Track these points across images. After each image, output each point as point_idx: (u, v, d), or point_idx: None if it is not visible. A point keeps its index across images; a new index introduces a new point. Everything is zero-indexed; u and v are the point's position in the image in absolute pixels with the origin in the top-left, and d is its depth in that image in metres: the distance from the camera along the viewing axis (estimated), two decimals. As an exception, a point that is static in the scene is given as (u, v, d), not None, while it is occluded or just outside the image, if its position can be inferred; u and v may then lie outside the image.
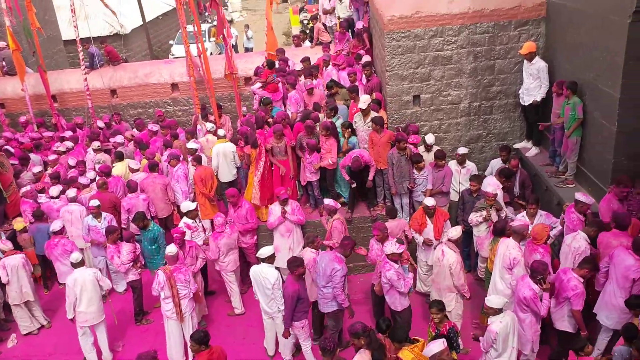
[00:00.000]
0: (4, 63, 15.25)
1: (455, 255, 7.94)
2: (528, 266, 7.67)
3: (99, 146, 12.11)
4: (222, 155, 10.86)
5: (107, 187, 10.58)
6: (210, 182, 10.49)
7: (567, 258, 7.75)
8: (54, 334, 9.64)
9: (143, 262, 9.49)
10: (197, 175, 10.45)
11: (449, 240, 8.12)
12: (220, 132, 11.28)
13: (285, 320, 7.91)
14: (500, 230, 8.19)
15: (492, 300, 6.92)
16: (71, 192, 10.37)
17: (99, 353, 8.95)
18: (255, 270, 8.11)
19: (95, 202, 9.83)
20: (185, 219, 9.50)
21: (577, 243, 7.68)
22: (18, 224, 10.09)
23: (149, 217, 9.83)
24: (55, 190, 10.60)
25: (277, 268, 8.23)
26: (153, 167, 10.71)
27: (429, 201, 8.91)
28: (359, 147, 10.12)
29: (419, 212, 9.09)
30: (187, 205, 9.50)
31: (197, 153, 10.88)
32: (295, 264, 7.75)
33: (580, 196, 8.12)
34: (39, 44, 13.88)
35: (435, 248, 8.61)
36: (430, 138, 10.48)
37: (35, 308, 9.68)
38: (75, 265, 8.47)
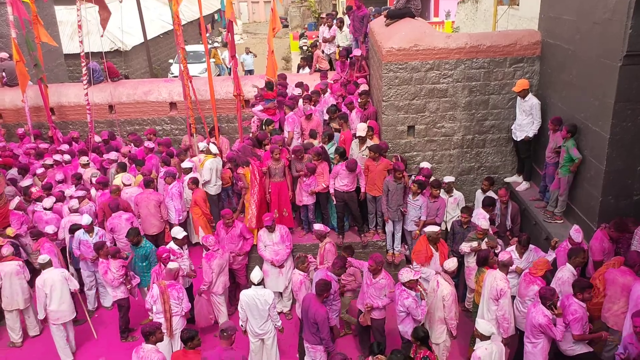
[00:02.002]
0: (4, 74, 15.36)
1: (450, 288, 7.94)
2: (522, 297, 7.84)
3: (87, 161, 12.16)
4: (214, 171, 11.32)
5: (119, 193, 10.72)
6: (208, 203, 10.70)
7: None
8: (39, 345, 9.58)
9: (138, 281, 9.46)
10: (200, 197, 10.57)
11: (444, 271, 8.12)
12: (212, 148, 11.56)
13: (326, 344, 7.76)
14: (483, 259, 8.24)
15: (482, 325, 7.05)
16: (74, 203, 10.43)
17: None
18: (248, 294, 8.11)
19: (87, 219, 9.83)
20: (172, 244, 9.37)
21: (561, 273, 7.84)
22: (9, 230, 10.16)
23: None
24: (48, 202, 10.62)
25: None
26: (148, 183, 10.76)
27: (434, 228, 8.93)
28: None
29: (422, 244, 8.95)
30: (177, 232, 9.38)
31: (191, 173, 10.95)
32: (325, 288, 7.70)
33: (573, 232, 8.24)
34: (41, 57, 14.00)
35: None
36: (425, 164, 10.62)
37: (28, 316, 9.66)
38: (44, 265, 8.80)
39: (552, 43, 10.16)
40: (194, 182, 10.74)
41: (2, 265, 9.22)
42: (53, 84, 15.50)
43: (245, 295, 8.14)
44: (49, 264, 8.87)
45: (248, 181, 10.31)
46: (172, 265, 8.39)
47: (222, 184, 11.75)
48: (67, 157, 12.47)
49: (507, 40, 10.48)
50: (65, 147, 13.05)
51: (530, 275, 7.89)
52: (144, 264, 9.43)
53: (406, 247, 10.53)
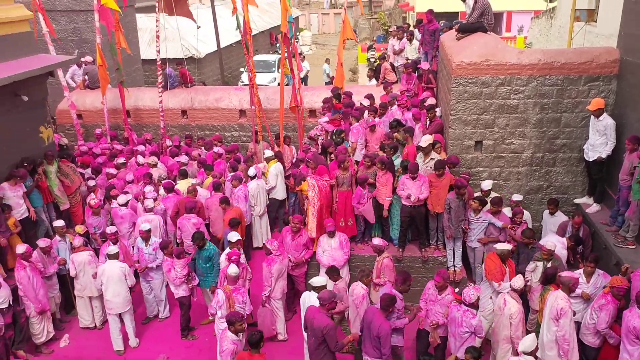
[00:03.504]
0: (86, 77, 16.20)
1: (518, 306, 7.75)
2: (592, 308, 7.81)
3: (156, 162, 12.61)
4: (279, 175, 11.71)
5: (195, 194, 11.10)
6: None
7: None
8: (106, 337, 9.92)
9: (197, 282, 9.77)
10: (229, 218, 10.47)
11: (512, 290, 7.92)
12: (268, 153, 12.10)
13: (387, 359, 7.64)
14: (550, 277, 8.01)
15: (524, 342, 6.99)
16: (149, 203, 10.84)
17: (126, 339, 9.79)
18: (303, 297, 8.25)
19: (146, 226, 10.07)
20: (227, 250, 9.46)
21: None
22: (78, 227, 10.65)
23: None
24: (122, 199, 11.10)
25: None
26: (217, 187, 11.10)
27: (506, 245, 8.77)
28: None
29: (494, 262, 8.72)
30: (231, 236, 9.51)
31: (255, 179, 11.48)
32: (390, 303, 7.61)
33: None
34: (121, 62, 14.70)
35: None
36: (487, 184, 10.41)
37: (97, 305, 10.17)
38: (111, 257, 9.41)
39: (631, 61, 9.80)
40: (223, 201, 10.61)
41: (75, 255, 9.84)
42: (130, 88, 16.19)
43: (304, 295, 8.31)
44: (115, 256, 9.41)
45: (305, 193, 10.38)
46: (233, 270, 8.51)
47: (289, 187, 12.03)
48: (153, 159, 12.80)
49: (582, 58, 10.19)
50: (141, 148, 13.58)
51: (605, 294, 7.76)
52: (207, 265, 9.68)
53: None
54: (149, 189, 11.41)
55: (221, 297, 8.34)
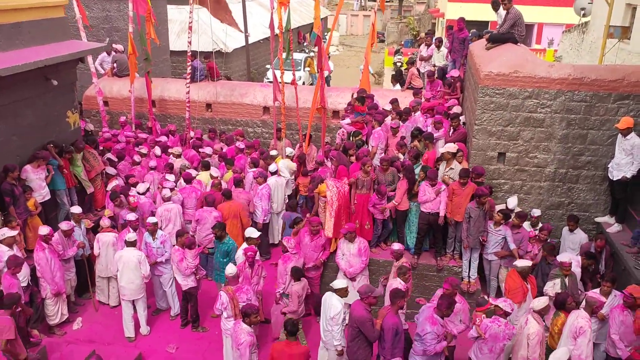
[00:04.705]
0: (115, 65, 16.38)
1: (537, 327, 7.57)
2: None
3: (180, 152, 12.66)
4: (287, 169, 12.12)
5: (220, 188, 11.17)
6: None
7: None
8: (117, 323, 10.04)
9: (204, 273, 9.91)
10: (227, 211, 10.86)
11: (533, 310, 7.77)
12: (273, 153, 12.66)
13: (385, 356, 7.67)
14: (561, 302, 7.88)
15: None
16: (166, 192, 10.93)
17: (137, 327, 9.94)
18: (325, 297, 8.21)
19: (152, 219, 10.06)
20: (244, 245, 9.54)
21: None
22: (107, 211, 10.82)
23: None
24: (142, 187, 11.20)
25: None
26: (238, 182, 11.22)
27: (526, 262, 8.67)
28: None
29: (514, 280, 8.63)
30: (251, 232, 9.52)
31: (276, 175, 11.59)
32: (399, 295, 7.66)
33: None
34: (150, 52, 14.85)
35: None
36: (513, 202, 10.30)
37: (114, 286, 10.35)
38: (129, 244, 9.48)
39: (665, 81, 9.63)
40: (225, 194, 10.88)
41: (102, 235, 10.10)
42: (157, 78, 16.35)
43: (325, 296, 8.24)
44: (133, 244, 9.52)
45: (324, 194, 10.32)
46: (230, 270, 8.52)
47: (301, 190, 12.19)
48: (177, 149, 12.91)
49: (614, 75, 10.04)
50: (163, 139, 13.70)
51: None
52: (225, 260, 9.73)
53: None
54: (170, 177, 11.47)
55: (225, 299, 8.35)
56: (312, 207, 11.37)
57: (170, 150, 12.81)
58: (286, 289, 9.35)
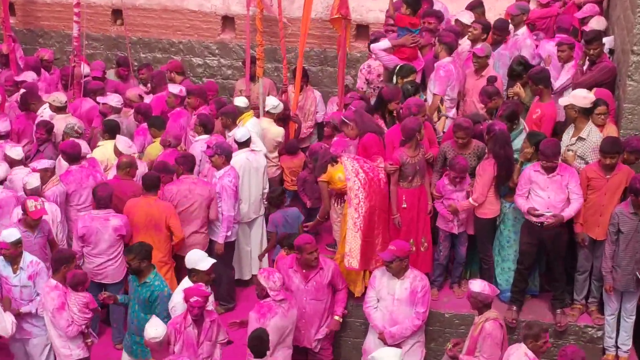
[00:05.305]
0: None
1: None
2: None
3: (63, 104, 8.71)
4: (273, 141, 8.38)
5: (131, 171, 7.60)
6: None
7: None
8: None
9: (96, 339, 7.02)
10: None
11: None
12: (238, 101, 8.50)
13: None
14: None
15: None
16: (32, 180, 7.17)
17: None
18: None
19: (11, 236, 6.66)
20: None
21: None
22: None
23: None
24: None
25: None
26: (184, 162, 7.26)
27: None
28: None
29: None
30: (196, 258, 6.38)
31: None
32: None
33: None
34: None
35: None
36: None
37: None
38: None
39: None
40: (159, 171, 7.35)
41: None
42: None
43: None
44: None
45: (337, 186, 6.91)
46: (152, 332, 5.91)
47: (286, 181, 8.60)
48: (58, 97, 8.76)
49: None
50: (29, 76, 9.59)
51: None
52: (145, 314, 6.51)
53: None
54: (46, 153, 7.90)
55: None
56: (313, 210, 8.23)
57: (45, 98, 8.74)
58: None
